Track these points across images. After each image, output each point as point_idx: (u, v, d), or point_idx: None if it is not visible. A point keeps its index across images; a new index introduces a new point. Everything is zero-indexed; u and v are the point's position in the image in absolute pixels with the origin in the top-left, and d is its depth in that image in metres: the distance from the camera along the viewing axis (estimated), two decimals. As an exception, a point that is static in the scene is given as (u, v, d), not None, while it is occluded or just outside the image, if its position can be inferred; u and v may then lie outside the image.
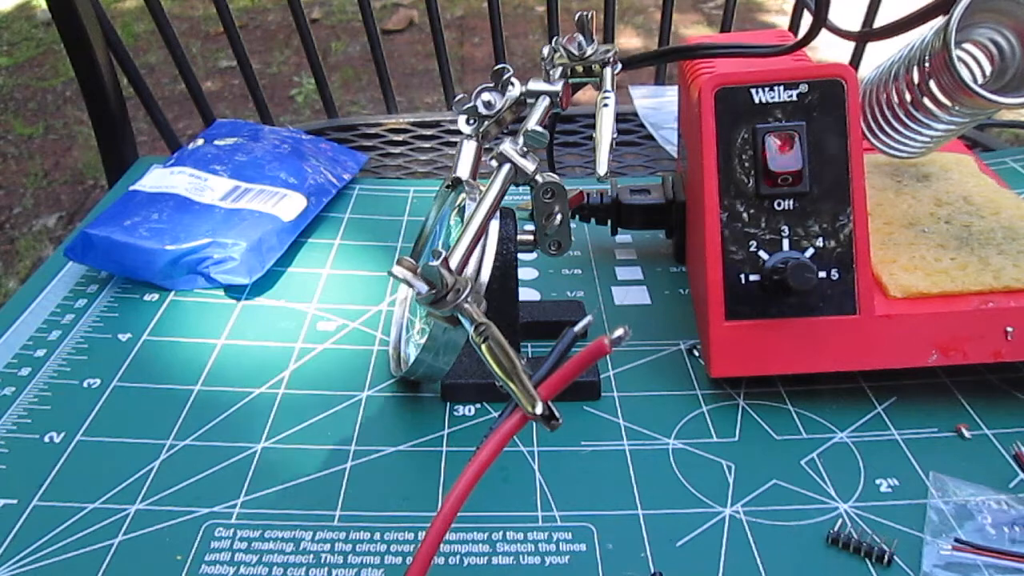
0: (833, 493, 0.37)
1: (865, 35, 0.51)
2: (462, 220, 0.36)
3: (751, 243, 0.40)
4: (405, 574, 0.28)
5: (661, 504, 0.36)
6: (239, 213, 0.54)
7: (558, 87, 0.42)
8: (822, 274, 0.40)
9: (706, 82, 0.40)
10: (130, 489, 0.37)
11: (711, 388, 0.43)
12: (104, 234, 0.52)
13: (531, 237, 0.42)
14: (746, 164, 0.40)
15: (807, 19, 0.44)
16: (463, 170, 0.41)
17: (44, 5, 0.79)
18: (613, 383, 0.44)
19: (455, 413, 0.42)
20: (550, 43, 0.45)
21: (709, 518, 0.36)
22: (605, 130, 0.40)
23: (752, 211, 0.40)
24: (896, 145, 0.48)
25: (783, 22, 2.44)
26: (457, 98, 0.41)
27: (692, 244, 0.49)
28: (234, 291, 0.52)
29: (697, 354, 0.46)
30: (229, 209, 0.55)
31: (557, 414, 0.29)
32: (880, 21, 0.78)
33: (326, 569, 0.33)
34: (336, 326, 0.49)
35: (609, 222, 0.53)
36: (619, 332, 0.26)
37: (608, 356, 0.45)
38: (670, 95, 0.82)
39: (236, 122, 0.69)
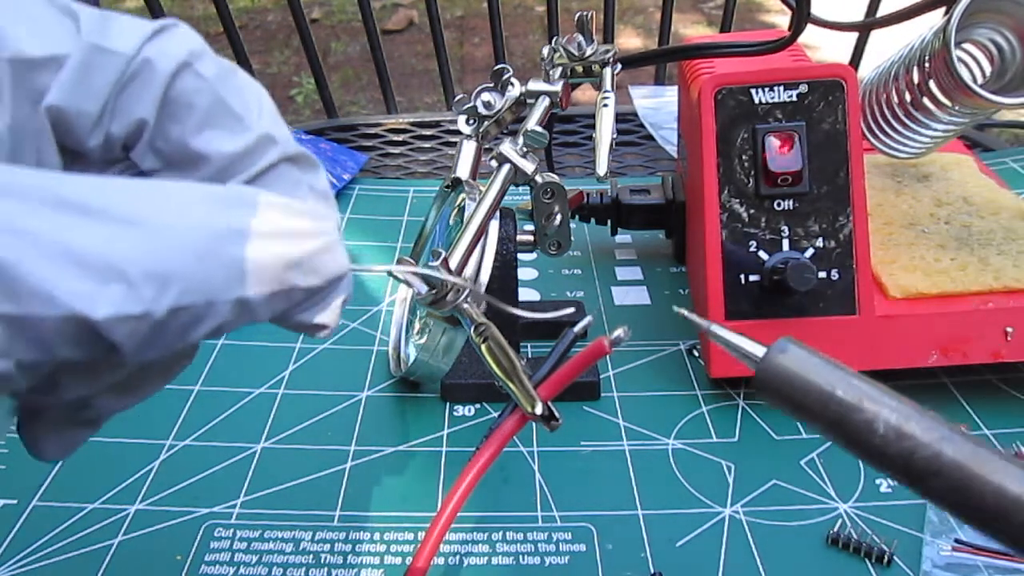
0: (833, 493, 0.37)
1: (861, 26, 0.51)
2: (462, 220, 0.36)
3: (751, 243, 0.40)
4: (405, 574, 0.28)
5: (661, 504, 0.36)
6: (239, 213, 0.54)
7: (558, 87, 0.42)
8: (822, 274, 0.40)
9: (706, 82, 0.40)
10: (130, 489, 0.37)
11: (711, 388, 0.43)
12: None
13: (531, 237, 0.42)
14: (746, 164, 0.40)
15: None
16: (463, 170, 0.41)
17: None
18: (613, 383, 0.44)
19: (455, 413, 0.42)
20: (550, 43, 0.45)
21: (709, 518, 0.36)
22: (605, 130, 0.40)
23: (752, 211, 0.40)
24: (896, 145, 0.48)
25: (783, 22, 2.44)
26: (457, 98, 0.41)
27: (692, 244, 0.49)
28: (234, 291, 0.52)
29: (697, 354, 0.46)
30: (229, 209, 0.54)
31: (557, 414, 0.29)
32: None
33: (326, 569, 0.33)
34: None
35: (609, 222, 0.53)
36: (619, 332, 0.26)
37: (608, 356, 0.45)
38: (670, 95, 0.82)
39: (236, 122, 0.69)
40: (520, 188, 0.40)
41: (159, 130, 0.20)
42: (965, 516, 0.20)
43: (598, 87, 0.44)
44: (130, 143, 0.20)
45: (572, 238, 0.42)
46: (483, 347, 0.29)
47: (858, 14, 0.82)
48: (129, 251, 0.16)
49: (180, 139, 0.20)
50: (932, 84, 0.42)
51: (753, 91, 0.40)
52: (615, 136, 0.41)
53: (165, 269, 0.16)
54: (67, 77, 0.19)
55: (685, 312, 0.25)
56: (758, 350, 0.23)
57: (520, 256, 0.42)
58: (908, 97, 0.44)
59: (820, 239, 0.40)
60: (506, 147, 0.38)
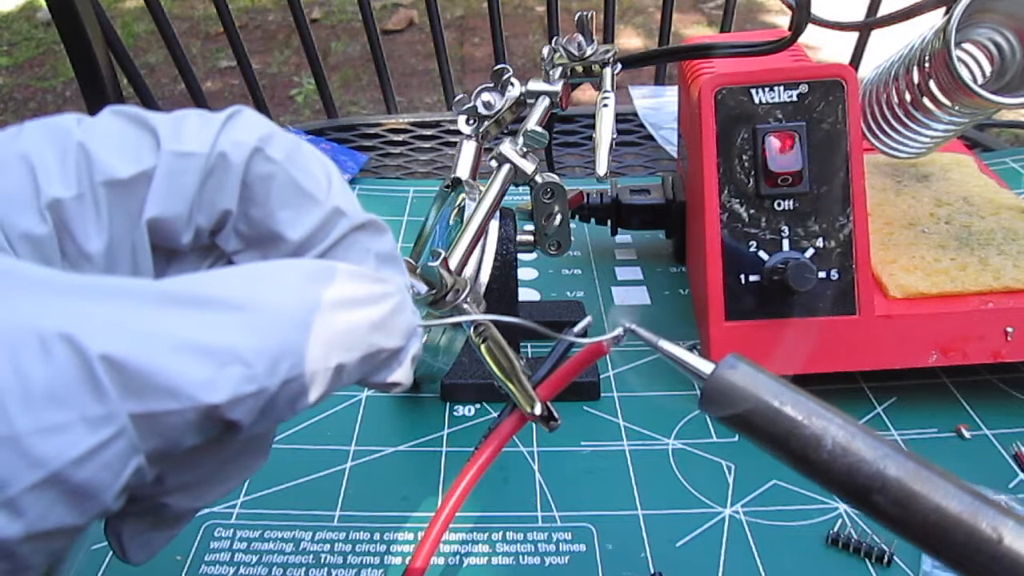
0: (833, 493, 0.37)
1: (861, 25, 0.51)
2: (462, 220, 0.36)
3: (751, 243, 0.40)
4: (404, 574, 0.28)
5: (661, 504, 0.36)
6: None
7: (558, 87, 0.42)
8: (822, 274, 0.40)
9: (706, 82, 0.40)
10: (130, 489, 0.37)
11: (711, 388, 0.43)
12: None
13: (531, 237, 0.42)
14: (746, 164, 0.40)
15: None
16: (463, 170, 0.41)
17: (44, 5, 0.79)
18: (613, 383, 0.44)
19: (455, 413, 0.42)
20: (550, 43, 0.45)
21: (709, 518, 0.36)
22: (605, 130, 0.40)
23: (752, 211, 0.40)
24: (896, 145, 0.48)
25: (783, 22, 2.44)
26: (457, 98, 0.41)
27: (692, 244, 0.49)
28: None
29: (697, 354, 0.45)
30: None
31: (556, 414, 0.29)
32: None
33: (326, 569, 0.33)
34: (336, 326, 0.49)
35: (609, 222, 0.53)
36: (616, 332, 0.26)
37: (608, 356, 0.45)
38: (670, 95, 0.82)
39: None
40: (520, 188, 0.40)
41: (240, 214, 0.22)
42: (907, 533, 0.21)
43: (598, 87, 0.44)
44: (216, 230, 0.22)
45: (572, 238, 0.42)
46: (482, 347, 0.29)
47: (858, 14, 0.82)
48: (241, 334, 0.17)
49: (259, 221, 0.22)
50: (932, 84, 0.42)
51: (753, 91, 0.40)
52: (615, 136, 0.41)
53: (275, 346, 0.17)
54: (158, 188, 0.20)
55: (635, 327, 0.25)
56: (706, 366, 0.23)
57: (520, 256, 0.42)
58: (908, 97, 0.44)
59: (820, 239, 0.40)
60: (506, 147, 0.38)
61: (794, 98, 0.40)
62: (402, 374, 0.21)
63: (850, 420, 0.22)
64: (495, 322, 0.28)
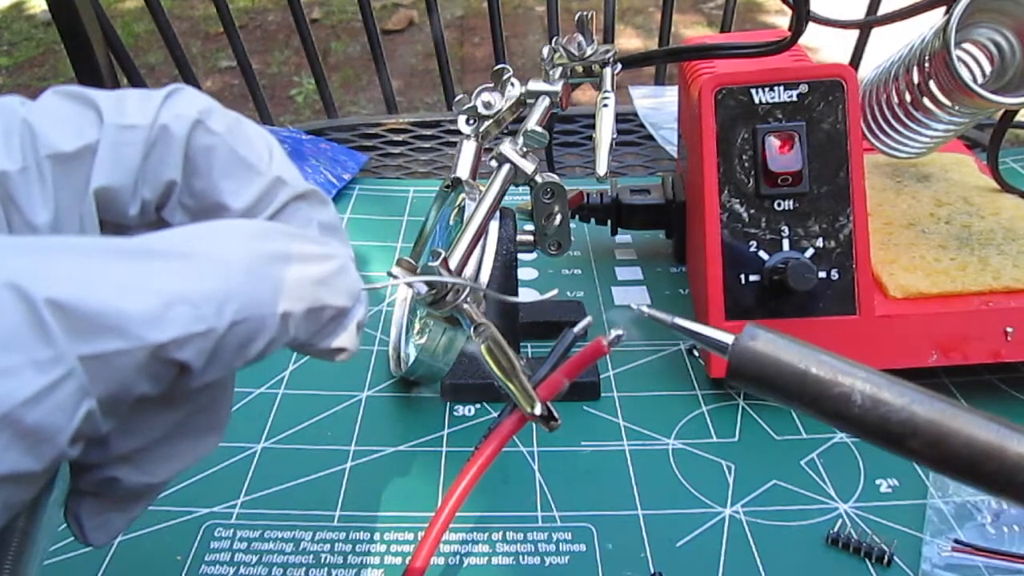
0: (833, 493, 0.37)
1: (861, 23, 0.51)
2: (462, 220, 0.36)
3: (751, 243, 0.40)
4: (404, 574, 0.28)
5: (661, 504, 0.36)
6: (239, 213, 0.54)
7: (558, 87, 0.42)
8: (822, 274, 0.40)
9: (706, 82, 0.40)
10: (130, 489, 0.37)
11: (711, 388, 0.43)
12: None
13: (531, 237, 0.42)
14: (746, 164, 0.40)
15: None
16: (463, 170, 0.41)
17: (44, 5, 0.79)
18: (613, 383, 0.44)
19: (455, 413, 0.42)
20: (550, 43, 0.45)
21: (709, 518, 0.36)
22: (605, 130, 0.40)
23: (752, 211, 0.40)
24: (896, 145, 0.48)
25: (783, 22, 2.44)
26: (457, 98, 0.41)
27: (692, 244, 0.49)
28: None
29: (697, 354, 0.46)
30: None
31: (556, 414, 0.29)
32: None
33: (326, 569, 0.33)
34: (336, 326, 0.49)
35: (609, 222, 0.53)
36: (617, 332, 0.26)
37: (608, 356, 0.45)
38: (670, 95, 0.82)
39: (236, 122, 0.68)
40: (520, 188, 0.40)
41: (184, 186, 0.22)
42: (945, 469, 0.22)
43: (598, 87, 0.44)
44: (161, 204, 0.22)
45: (572, 238, 0.42)
46: (482, 347, 0.29)
47: (858, 14, 0.82)
48: (187, 278, 0.18)
49: (203, 192, 0.22)
50: (932, 84, 0.42)
51: (753, 91, 0.40)
52: (615, 136, 0.41)
53: (222, 289, 0.18)
54: (102, 160, 0.21)
55: (650, 310, 0.25)
56: (726, 338, 0.24)
57: (520, 256, 0.42)
58: (908, 97, 0.44)
59: (820, 239, 0.40)
60: (506, 147, 0.38)
61: (794, 98, 0.40)
62: (348, 339, 0.22)
63: (876, 372, 0.22)
64: (483, 300, 0.28)
